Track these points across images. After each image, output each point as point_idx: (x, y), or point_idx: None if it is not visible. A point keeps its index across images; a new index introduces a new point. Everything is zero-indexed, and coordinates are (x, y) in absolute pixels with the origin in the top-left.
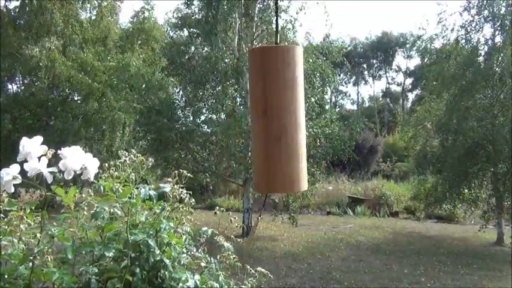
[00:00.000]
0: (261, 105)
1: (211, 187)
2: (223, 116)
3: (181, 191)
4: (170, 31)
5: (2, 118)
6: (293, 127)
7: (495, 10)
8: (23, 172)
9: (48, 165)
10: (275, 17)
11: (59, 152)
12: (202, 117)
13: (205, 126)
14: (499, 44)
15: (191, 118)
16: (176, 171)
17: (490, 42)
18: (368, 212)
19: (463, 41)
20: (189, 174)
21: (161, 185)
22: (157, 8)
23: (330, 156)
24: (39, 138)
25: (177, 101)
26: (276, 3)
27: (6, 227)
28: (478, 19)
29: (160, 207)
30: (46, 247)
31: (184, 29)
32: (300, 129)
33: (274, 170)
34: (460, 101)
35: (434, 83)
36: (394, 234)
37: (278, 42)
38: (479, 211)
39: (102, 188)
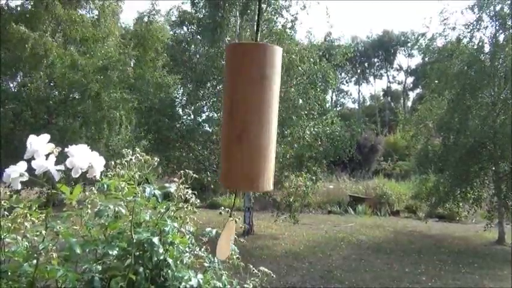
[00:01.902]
0: (227, 102)
1: (212, 186)
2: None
3: (187, 191)
4: (170, 30)
5: (4, 116)
6: (257, 127)
7: (498, 9)
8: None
9: (56, 164)
10: (257, 15)
11: (66, 150)
12: (203, 116)
13: (206, 125)
14: (502, 42)
15: (192, 117)
16: (182, 172)
17: (493, 40)
18: (369, 211)
19: (466, 39)
20: (194, 175)
21: (166, 184)
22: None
23: (331, 156)
24: (46, 136)
25: (177, 100)
26: (259, 3)
27: (11, 225)
28: (480, 18)
29: (165, 206)
30: (50, 244)
31: (184, 27)
32: (265, 130)
33: (233, 167)
34: (462, 99)
35: (436, 81)
36: (395, 233)
37: (257, 40)
38: (480, 210)
39: (106, 186)
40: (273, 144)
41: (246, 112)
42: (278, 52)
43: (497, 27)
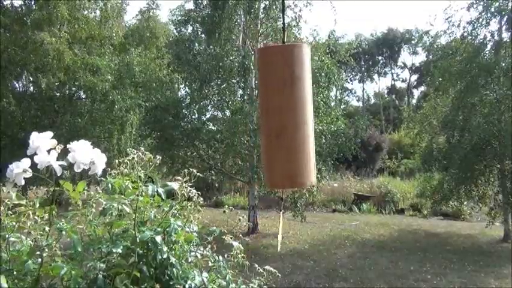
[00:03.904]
0: (263, 103)
1: (216, 185)
2: (228, 113)
3: (190, 190)
4: (175, 29)
5: (10, 115)
6: (293, 126)
7: (502, 6)
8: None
9: (57, 161)
10: (282, 16)
11: (68, 146)
12: (208, 115)
13: (211, 124)
14: (505, 39)
15: (196, 116)
16: (186, 170)
17: (496, 37)
18: (374, 209)
19: (470, 37)
20: (198, 174)
21: (168, 183)
22: (161, 7)
23: (336, 154)
24: (49, 133)
25: (182, 98)
26: (283, 2)
27: (15, 223)
28: (484, 15)
29: (168, 205)
30: (54, 242)
31: (189, 25)
32: (301, 127)
33: (273, 166)
34: (467, 97)
35: (440, 79)
36: (399, 231)
37: (285, 41)
38: (485, 208)
39: (110, 185)
40: (310, 140)
41: (281, 112)
42: (306, 51)
43: (501, 24)
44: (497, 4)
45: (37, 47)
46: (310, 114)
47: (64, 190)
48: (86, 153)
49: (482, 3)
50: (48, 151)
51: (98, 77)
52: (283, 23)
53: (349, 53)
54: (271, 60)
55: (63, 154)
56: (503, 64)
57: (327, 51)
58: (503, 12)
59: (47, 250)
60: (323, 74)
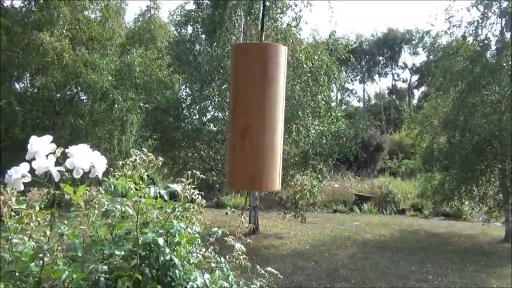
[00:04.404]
0: (232, 101)
1: (217, 185)
2: (228, 114)
3: (193, 192)
4: (175, 30)
5: (11, 117)
6: (260, 126)
7: (504, 6)
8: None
9: (58, 164)
10: (261, 14)
11: (66, 150)
12: (209, 116)
13: (212, 125)
14: (507, 40)
15: (197, 116)
16: (189, 172)
17: (498, 38)
18: (375, 210)
19: (471, 37)
20: (202, 176)
21: (171, 185)
22: (161, 6)
23: (336, 154)
24: (48, 137)
25: (182, 99)
26: (263, 2)
27: (17, 225)
28: (486, 15)
29: (171, 207)
30: (56, 245)
31: (189, 26)
32: (269, 129)
33: (237, 167)
34: (467, 97)
35: (441, 79)
36: (401, 231)
37: (262, 39)
38: (486, 208)
39: (113, 186)
40: (278, 143)
41: (249, 111)
42: (282, 51)
43: (503, 25)
44: (498, 5)
45: (37, 47)
46: (280, 116)
47: (64, 193)
48: (85, 158)
49: (483, 4)
50: (47, 156)
51: (97, 75)
52: (262, 20)
53: (348, 49)
54: (245, 57)
55: (64, 157)
56: (505, 64)
57: (326, 49)
58: (505, 13)
59: (48, 254)
60: (322, 72)
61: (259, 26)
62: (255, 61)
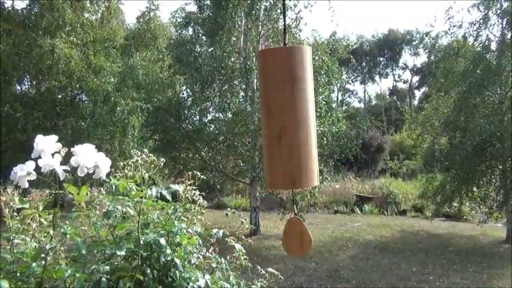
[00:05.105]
0: (264, 105)
1: (218, 186)
2: (229, 115)
3: (194, 193)
4: (175, 31)
5: (12, 118)
6: (294, 126)
7: (505, 6)
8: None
9: (62, 164)
10: (283, 17)
11: (72, 149)
12: (209, 117)
13: (212, 126)
14: (508, 40)
15: (198, 117)
16: (190, 173)
17: (499, 38)
18: (375, 211)
19: (471, 37)
20: (202, 176)
21: (172, 185)
22: (162, 8)
23: (337, 155)
24: (53, 137)
25: (183, 100)
26: (284, 3)
27: (19, 225)
28: (487, 15)
29: (172, 207)
30: (58, 245)
31: (189, 27)
32: (303, 128)
33: (274, 166)
34: (468, 98)
35: (442, 80)
36: (402, 232)
37: (286, 42)
38: (486, 209)
39: (114, 187)
40: (312, 140)
41: (282, 113)
42: (307, 52)
43: (504, 25)
44: (499, 5)
45: (45, 52)
46: (311, 115)
47: (67, 193)
48: (89, 157)
49: (483, 4)
50: (53, 155)
51: (100, 78)
52: (284, 25)
53: (348, 50)
54: (272, 62)
55: (66, 157)
56: (506, 65)
57: (326, 49)
58: (505, 14)
59: (51, 254)
60: (322, 72)
61: (282, 30)
62: (283, 64)
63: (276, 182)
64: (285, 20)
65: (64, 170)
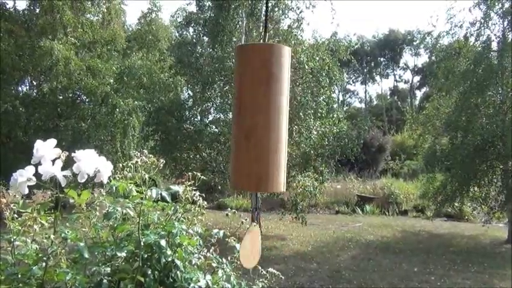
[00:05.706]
0: (237, 102)
1: (219, 187)
2: (230, 115)
3: (194, 194)
4: (176, 32)
5: (14, 119)
6: (264, 127)
7: (506, 6)
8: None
9: (63, 169)
10: (265, 16)
11: (73, 154)
12: (210, 117)
13: (213, 126)
14: (510, 40)
15: (199, 118)
16: (190, 174)
17: (501, 38)
18: (377, 211)
19: (473, 37)
20: (202, 177)
21: (172, 186)
22: (163, 10)
23: (338, 155)
24: (52, 141)
25: (184, 101)
26: (266, 3)
27: (20, 228)
28: (488, 15)
29: (172, 208)
30: (59, 248)
31: (190, 28)
32: (274, 130)
33: (241, 167)
34: (470, 98)
35: (443, 80)
36: (403, 232)
37: (266, 40)
38: (486, 209)
39: (114, 188)
40: (282, 145)
41: (253, 112)
42: (286, 52)
43: (505, 25)
44: (500, 5)
45: (45, 53)
46: (284, 116)
47: (69, 197)
48: (91, 163)
49: (484, 4)
50: (53, 161)
51: (99, 79)
52: (265, 23)
53: (349, 50)
54: (249, 58)
55: (68, 160)
56: (507, 65)
57: (327, 49)
58: (507, 13)
59: (52, 258)
60: (324, 73)
61: (263, 27)
62: (259, 62)
63: (240, 183)
64: (266, 17)
65: (64, 176)
